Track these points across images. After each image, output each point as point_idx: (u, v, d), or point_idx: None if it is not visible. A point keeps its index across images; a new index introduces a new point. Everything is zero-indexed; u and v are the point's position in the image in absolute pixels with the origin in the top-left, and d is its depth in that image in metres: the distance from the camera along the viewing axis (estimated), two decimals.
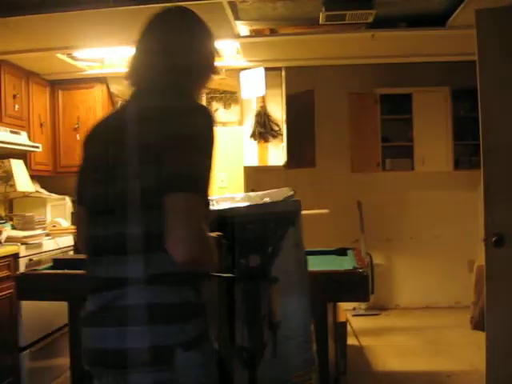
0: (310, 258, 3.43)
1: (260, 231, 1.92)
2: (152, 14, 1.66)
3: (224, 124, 5.30)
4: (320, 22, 3.92)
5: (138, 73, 1.63)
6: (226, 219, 1.87)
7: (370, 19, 3.86)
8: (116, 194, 1.48)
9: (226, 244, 1.80)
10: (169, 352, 1.39)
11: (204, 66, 1.68)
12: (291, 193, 2.06)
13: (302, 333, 1.96)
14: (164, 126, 1.43)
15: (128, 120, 1.53)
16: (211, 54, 1.71)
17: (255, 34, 4.33)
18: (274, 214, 1.97)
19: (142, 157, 1.43)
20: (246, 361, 1.90)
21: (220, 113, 5.29)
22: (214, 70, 1.72)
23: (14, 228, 4.24)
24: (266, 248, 1.91)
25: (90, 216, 1.57)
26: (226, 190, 4.92)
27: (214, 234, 1.67)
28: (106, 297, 1.47)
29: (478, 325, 4.60)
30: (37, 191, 4.80)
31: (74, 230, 4.89)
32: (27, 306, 3.69)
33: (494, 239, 2.43)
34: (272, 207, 2.01)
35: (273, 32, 4.33)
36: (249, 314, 1.91)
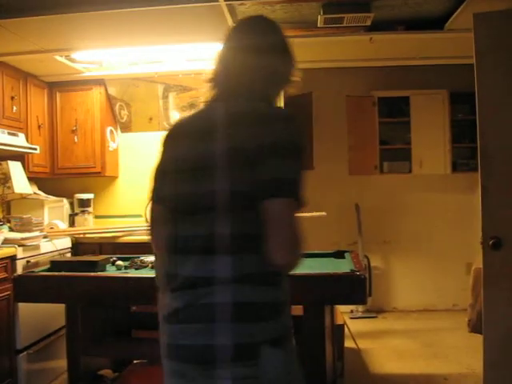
0: (307, 260, 3.45)
1: None
2: (239, 21, 1.73)
3: None
4: (318, 24, 3.92)
5: (226, 76, 1.64)
6: None
7: (368, 22, 3.87)
8: (206, 194, 1.49)
9: None
10: (256, 349, 1.43)
11: (287, 73, 1.71)
12: None
13: None
14: (261, 131, 1.46)
15: (219, 122, 1.55)
16: (293, 62, 1.74)
17: None
18: None
19: (237, 160, 1.46)
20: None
21: None
22: (293, 78, 1.75)
23: (11, 230, 4.23)
24: None
25: (175, 215, 1.58)
26: None
27: None
28: (194, 295, 1.48)
29: (475, 327, 4.61)
30: (34, 193, 4.79)
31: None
32: (24, 308, 3.68)
33: (491, 242, 2.43)
34: None
35: None
36: None
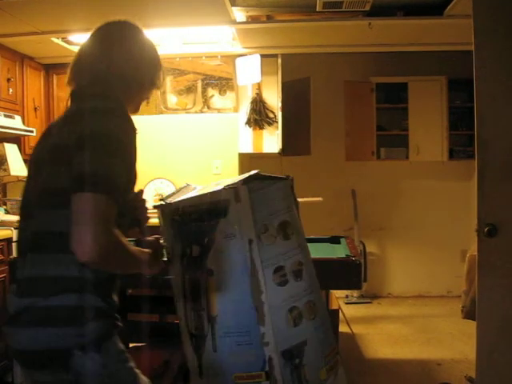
0: None
1: (198, 222, 1.87)
2: (100, 24, 1.78)
3: (219, 110, 5.28)
4: (317, 9, 3.90)
5: (77, 77, 1.68)
6: (173, 211, 1.94)
7: (368, 7, 3.85)
8: (33, 194, 1.55)
9: (166, 244, 1.88)
10: (65, 354, 1.44)
11: (142, 77, 1.71)
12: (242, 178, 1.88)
13: (244, 332, 1.81)
14: (76, 126, 1.46)
15: (53, 123, 1.67)
16: (151, 68, 1.74)
17: (252, 20, 4.30)
18: (204, 204, 1.85)
19: (56, 157, 1.50)
20: (194, 346, 1.94)
21: (215, 99, 5.27)
22: (154, 83, 1.76)
23: (7, 212, 4.23)
24: (203, 239, 1.85)
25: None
26: (221, 176, 4.92)
27: (150, 238, 1.72)
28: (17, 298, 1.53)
29: (468, 314, 4.62)
30: None
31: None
32: None
33: (486, 229, 2.44)
34: (201, 198, 1.89)
35: (269, 18, 4.30)
36: (192, 303, 1.91)
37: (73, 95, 1.66)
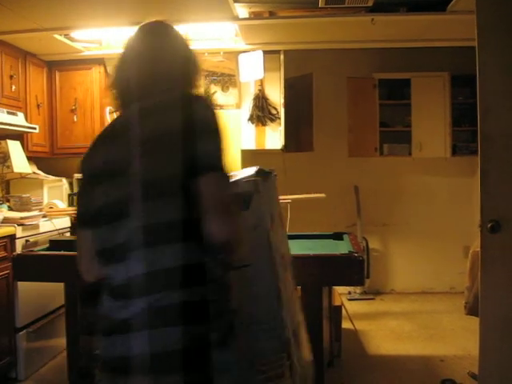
0: (306, 241, 3.47)
1: None
2: (141, 26, 1.75)
3: (222, 107, 5.28)
4: (320, 5, 3.89)
5: (137, 76, 1.64)
6: None
7: (370, 3, 3.84)
8: (128, 191, 1.47)
9: None
10: (200, 353, 1.41)
11: (193, 73, 1.72)
12: (253, 172, 1.89)
13: (268, 319, 1.85)
14: (169, 116, 1.48)
15: (131, 121, 1.56)
16: (194, 61, 1.77)
17: (254, 16, 4.30)
18: None
19: (157, 148, 1.45)
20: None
21: (218, 95, 5.27)
22: (198, 73, 1.76)
23: (10, 209, 4.24)
24: None
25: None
26: None
27: None
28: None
29: (471, 310, 4.62)
30: (34, 172, 4.79)
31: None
32: (24, 287, 3.70)
33: (489, 225, 2.43)
34: None
35: (272, 14, 4.30)
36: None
37: (137, 92, 1.62)
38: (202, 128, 1.45)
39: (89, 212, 1.58)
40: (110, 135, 1.62)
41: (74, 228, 4.62)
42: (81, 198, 1.69)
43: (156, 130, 1.46)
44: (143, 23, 1.76)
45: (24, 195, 4.36)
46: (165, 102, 1.52)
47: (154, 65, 1.64)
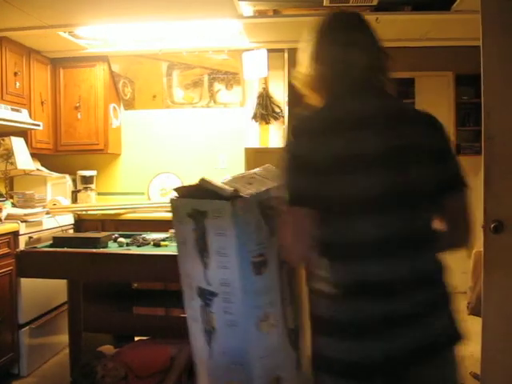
0: None
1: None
2: (328, 17, 1.70)
3: (225, 105, 5.28)
4: (324, 3, 3.89)
5: (344, 71, 1.62)
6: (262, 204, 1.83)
7: (375, 2, 3.83)
8: (394, 189, 1.48)
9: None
10: (450, 344, 1.81)
11: (386, 62, 1.74)
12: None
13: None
14: (431, 131, 1.63)
15: (380, 118, 1.53)
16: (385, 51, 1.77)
17: (259, 14, 4.29)
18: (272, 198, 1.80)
19: (416, 157, 1.53)
20: (292, 342, 1.87)
21: (222, 93, 5.27)
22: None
23: (14, 206, 4.24)
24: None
25: (326, 216, 1.47)
26: (226, 171, 4.92)
27: None
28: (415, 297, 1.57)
29: (474, 310, 4.61)
30: (37, 169, 4.80)
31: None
32: (27, 284, 3.71)
33: (492, 225, 2.43)
34: (269, 192, 1.87)
35: (276, 13, 4.29)
36: (289, 297, 1.87)
37: (343, 91, 1.61)
38: (450, 146, 1.65)
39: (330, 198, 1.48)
40: (349, 124, 1.52)
41: (77, 225, 4.64)
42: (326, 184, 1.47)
43: (406, 137, 1.52)
44: (337, 12, 1.75)
45: (27, 192, 4.37)
46: (404, 108, 1.68)
47: (367, 58, 1.66)
